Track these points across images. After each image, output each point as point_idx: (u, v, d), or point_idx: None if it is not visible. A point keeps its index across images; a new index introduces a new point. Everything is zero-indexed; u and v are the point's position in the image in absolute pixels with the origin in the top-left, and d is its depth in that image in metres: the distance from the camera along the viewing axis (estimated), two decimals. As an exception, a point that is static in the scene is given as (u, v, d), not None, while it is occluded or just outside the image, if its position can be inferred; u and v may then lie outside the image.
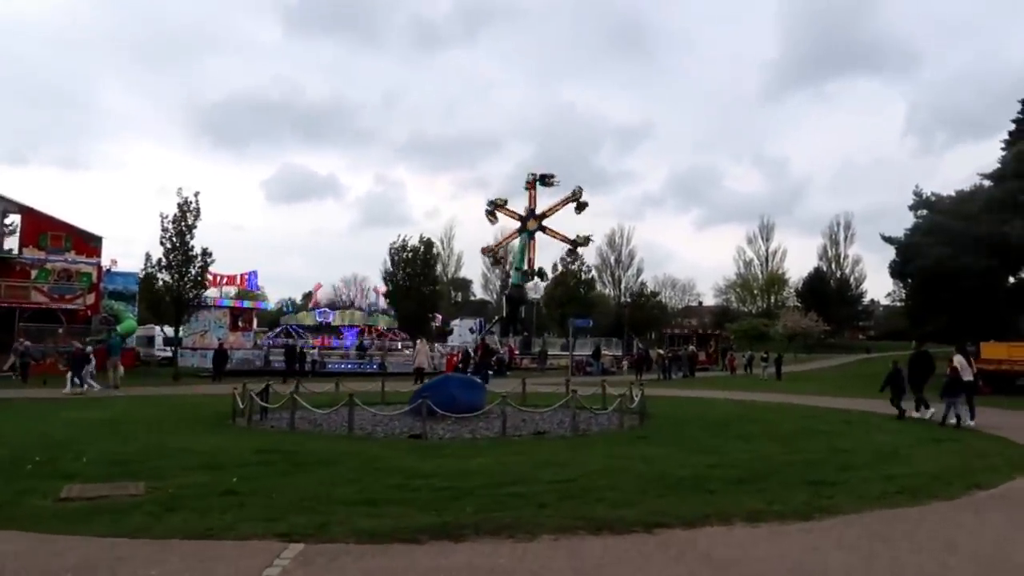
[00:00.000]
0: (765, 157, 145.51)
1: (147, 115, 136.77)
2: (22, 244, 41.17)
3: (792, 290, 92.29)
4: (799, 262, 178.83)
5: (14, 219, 41.38)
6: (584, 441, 12.29)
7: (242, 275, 43.09)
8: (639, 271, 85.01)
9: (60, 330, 40.88)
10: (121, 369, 26.23)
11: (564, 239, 56.83)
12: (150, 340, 54.26)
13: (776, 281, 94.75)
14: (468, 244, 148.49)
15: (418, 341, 33.54)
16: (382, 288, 42.63)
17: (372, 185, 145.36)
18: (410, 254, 39.39)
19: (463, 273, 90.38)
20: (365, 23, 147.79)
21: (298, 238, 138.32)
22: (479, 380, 16.66)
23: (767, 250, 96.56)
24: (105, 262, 43.09)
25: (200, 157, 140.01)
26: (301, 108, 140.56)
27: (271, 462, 9.59)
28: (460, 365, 31.44)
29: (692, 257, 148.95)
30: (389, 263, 39.63)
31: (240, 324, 41.93)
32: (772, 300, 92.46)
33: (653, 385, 32.04)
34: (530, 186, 56.29)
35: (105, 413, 16.20)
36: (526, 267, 57.07)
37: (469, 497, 7.59)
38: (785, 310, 76.71)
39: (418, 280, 39.18)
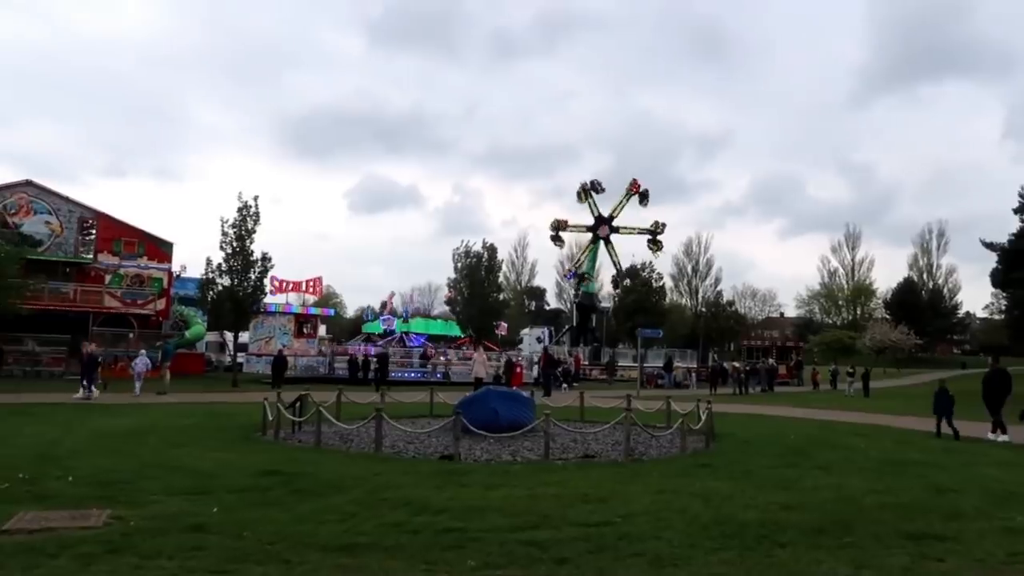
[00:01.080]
0: (851, 164, 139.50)
1: (236, 128, 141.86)
2: (96, 250, 42.12)
3: (880, 301, 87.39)
4: (887, 272, 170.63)
5: (91, 226, 42.38)
6: (636, 469, 10.69)
7: (307, 281, 42.90)
8: (717, 280, 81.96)
9: (131, 335, 41.61)
10: (168, 375, 25.82)
11: (641, 231, 55.51)
12: (221, 346, 55.05)
13: (863, 292, 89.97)
14: (542, 253, 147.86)
15: (476, 350, 32.31)
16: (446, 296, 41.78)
17: (451, 195, 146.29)
18: (473, 260, 38.33)
19: (537, 282, 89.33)
20: (445, 35, 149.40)
21: (379, 247, 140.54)
22: (527, 394, 15.20)
23: (853, 259, 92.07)
24: (175, 268, 43.72)
25: (286, 169, 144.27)
26: (383, 119, 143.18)
27: (266, 487, 8.40)
28: (502, 376, 30.17)
29: (773, 267, 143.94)
30: (452, 270, 38.74)
31: (305, 331, 41.66)
32: (858, 312, 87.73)
33: (728, 400, 29.93)
34: (584, 198, 55.05)
35: (134, 422, 15.52)
36: (613, 272, 56.04)
37: (474, 545, 6.16)
38: (872, 322, 72.35)
39: (481, 287, 38.05)
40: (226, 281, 31.11)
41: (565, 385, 38.14)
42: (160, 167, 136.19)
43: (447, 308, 45.62)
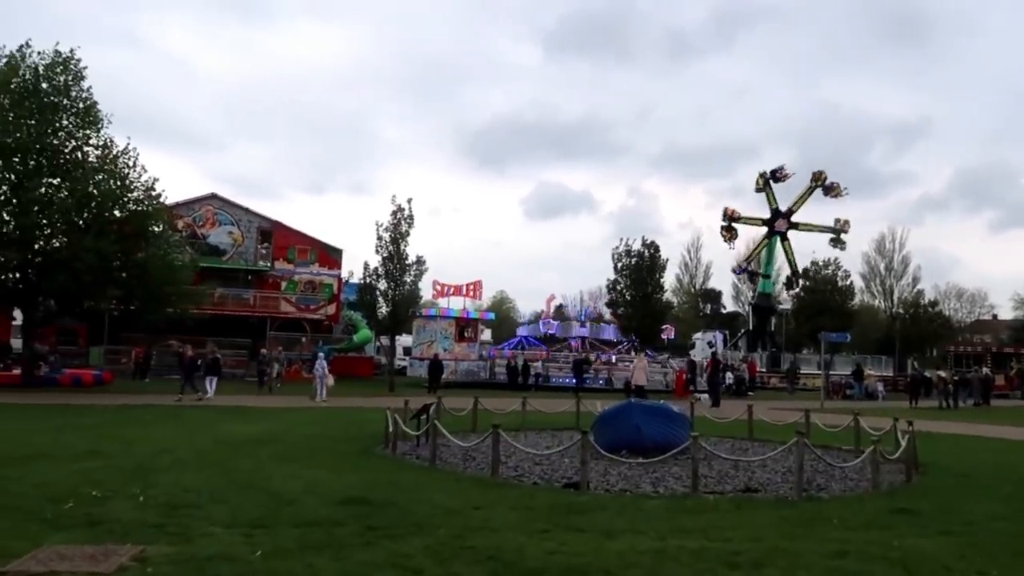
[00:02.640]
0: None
1: (420, 142, 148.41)
2: (273, 257, 44.26)
3: (1125, 299, 74.50)
4: None
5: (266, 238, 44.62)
6: (811, 512, 8.29)
7: (467, 285, 42.55)
8: (915, 280, 73.31)
9: (304, 338, 43.33)
10: (331, 379, 25.89)
11: (822, 229, 50.37)
12: (392, 350, 56.45)
13: (1101, 288, 77.21)
14: (718, 254, 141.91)
15: (636, 355, 30.13)
16: (606, 297, 39.69)
17: (625, 198, 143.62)
18: (634, 259, 36.05)
19: (712, 284, 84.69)
20: (619, 39, 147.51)
21: (552, 252, 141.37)
22: (679, 408, 13.00)
23: (1087, 251, 79.07)
24: (344, 274, 45.02)
25: (464, 178, 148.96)
26: (557, 127, 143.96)
27: (338, 521, 7.01)
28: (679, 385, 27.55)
29: (983, 265, 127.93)
30: (612, 270, 36.67)
31: (466, 335, 41.32)
32: (1096, 312, 75.34)
33: (933, 416, 25.68)
34: (763, 187, 50.41)
35: (261, 429, 15.09)
36: (774, 271, 51.36)
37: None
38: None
39: (643, 288, 35.70)
40: (383, 285, 31.07)
41: (749, 391, 34.79)
42: (354, 182, 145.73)
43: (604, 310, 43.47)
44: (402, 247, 30.53)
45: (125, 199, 27.55)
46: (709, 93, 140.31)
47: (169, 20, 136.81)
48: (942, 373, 32.78)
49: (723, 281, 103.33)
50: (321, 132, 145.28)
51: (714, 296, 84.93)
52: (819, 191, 50.83)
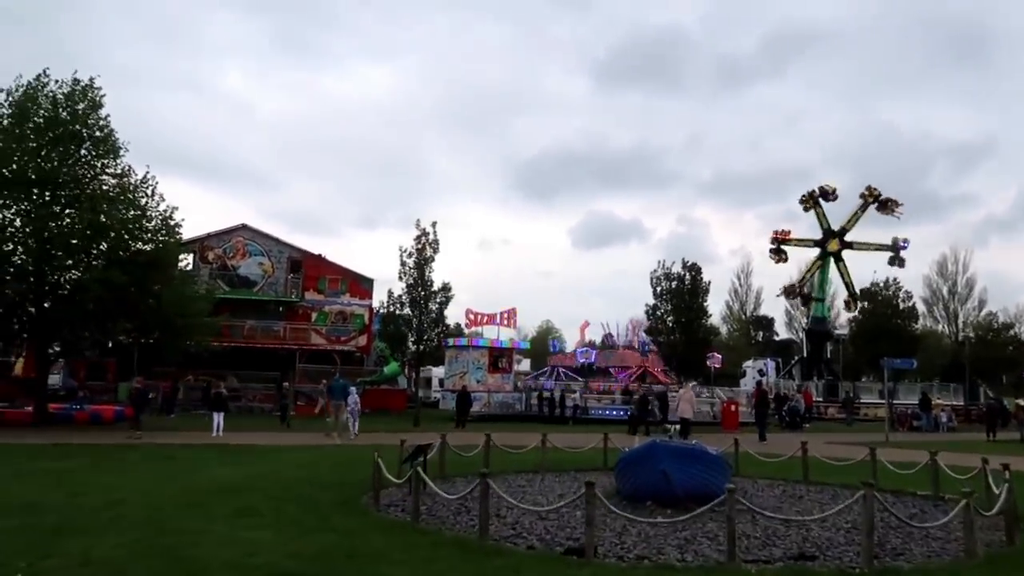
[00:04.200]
0: None
1: (468, 175, 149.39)
2: (303, 288, 43.21)
3: None
4: None
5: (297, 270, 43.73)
6: (888, 593, 6.22)
7: (501, 313, 40.79)
8: (981, 303, 69.09)
9: (333, 370, 41.98)
10: (339, 415, 23.98)
11: (879, 247, 47.27)
12: (428, 381, 54.78)
13: None
14: (769, 280, 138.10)
15: (683, 386, 27.88)
16: (644, 323, 37.46)
17: (675, 226, 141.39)
18: (674, 283, 33.84)
19: (764, 311, 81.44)
20: (669, 68, 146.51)
21: (601, 281, 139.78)
22: (716, 452, 10.93)
23: None
24: (375, 304, 43.71)
25: (513, 210, 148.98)
26: (606, 157, 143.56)
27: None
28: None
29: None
30: (652, 295, 34.46)
31: (500, 365, 39.49)
32: None
33: (1015, 450, 22.83)
34: (810, 206, 47.60)
35: (247, 472, 13.49)
36: (828, 295, 48.34)
37: None
38: None
39: (684, 313, 33.42)
40: (408, 312, 29.55)
41: (803, 420, 32.02)
42: (404, 216, 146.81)
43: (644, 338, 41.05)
44: (427, 273, 29.00)
45: (141, 229, 26.68)
46: (761, 119, 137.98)
47: (228, 64, 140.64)
48: (1021, 402, 29.64)
49: (775, 308, 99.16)
50: (373, 168, 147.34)
51: (766, 323, 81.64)
52: (873, 209, 47.92)
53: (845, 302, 48.58)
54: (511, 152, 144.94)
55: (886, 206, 47.17)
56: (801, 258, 52.25)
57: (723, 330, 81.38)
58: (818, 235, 49.04)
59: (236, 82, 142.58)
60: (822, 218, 48.18)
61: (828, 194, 47.83)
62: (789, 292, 50.73)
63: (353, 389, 24.86)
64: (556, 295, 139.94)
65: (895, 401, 39.35)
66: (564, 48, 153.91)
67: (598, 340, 66.76)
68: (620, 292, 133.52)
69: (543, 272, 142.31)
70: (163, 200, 27.14)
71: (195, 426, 23.87)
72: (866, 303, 45.54)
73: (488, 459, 14.53)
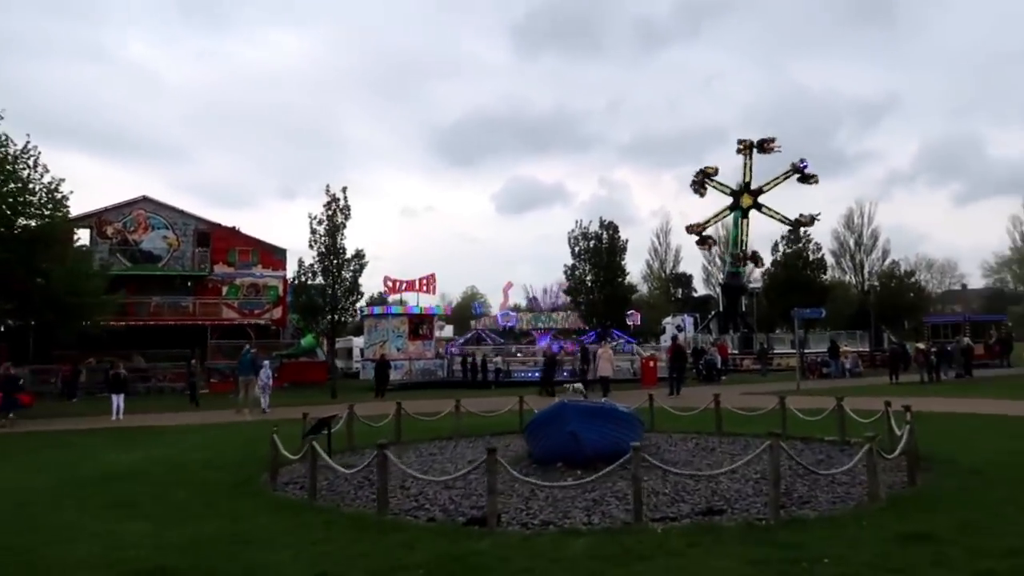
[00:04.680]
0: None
1: (389, 143, 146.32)
2: (212, 261, 41.37)
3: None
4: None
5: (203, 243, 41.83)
6: (791, 544, 6.05)
7: (420, 280, 40.03)
8: (884, 253, 72.04)
9: (247, 345, 40.46)
10: (257, 391, 23.14)
11: (784, 220, 47.79)
12: (348, 352, 53.60)
13: (1069, 251, 76.63)
14: (688, 240, 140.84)
15: (600, 345, 27.90)
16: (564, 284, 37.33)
17: (597, 188, 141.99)
18: (592, 242, 33.79)
19: (682, 268, 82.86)
20: (588, 32, 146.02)
21: (526, 246, 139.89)
22: (626, 409, 10.74)
23: (1053, 217, 78.40)
24: (290, 275, 42.28)
25: (436, 177, 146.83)
26: (527, 121, 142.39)
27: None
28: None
29: (949, 237, 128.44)
30: (570, 255, 34.29)
31: (421, 332, 38.84)
32: (1065, 275, 74.72)
33: (916, 392, 23.78)
34: (743, 151, 47.59)
35: (141, 456, 12.70)
36: (737, 251, 48.98)
37: None
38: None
39: (603, 272, 33.44)
40: (320, 282, 28.52)
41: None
42: (324, 186, 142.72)
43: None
44: (339, 240, 27.97)
45: (24, 203, 24.78)
46: (679, 82, 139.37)
47: (132, 33, 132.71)
48: (921, 345, 30.97)
49: (694, 265, 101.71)
50: (290, 138, 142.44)
51: (685, 280, 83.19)
52: (794, 178, 48.44)
53: (752, 256, 48.86)
54: (432, 118, 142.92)
55: (809, 179, 47.33)
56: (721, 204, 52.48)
57: (644, 289, 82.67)
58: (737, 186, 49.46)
59: (140, 51, 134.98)
60: (748, 170, 48.29)
61: (766, 144, 47.57)
62: (691, 229, 51.03)
63: (266, 363, 23.90)
64: (482, 261, 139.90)
65: (807, 350, 40.60)
66: (482, 11, 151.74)
67: (524, 304, 66.87)
68: (545, 257, 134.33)
69: (468, 239, 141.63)
70: (47, 172, 25.26)
71: (100, 410, 22.53)
72: (781, 254, 46.12)
73: (399, 428, 14.06)
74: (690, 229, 49.99)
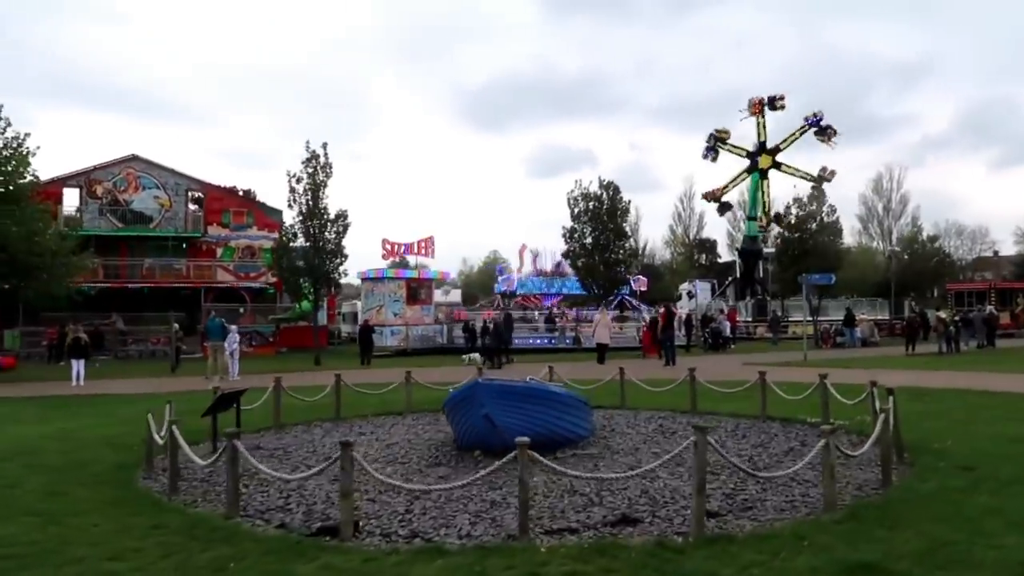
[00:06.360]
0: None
1: (416, 106, 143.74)
2: (206, 222, 40.33)
3: None
4: None
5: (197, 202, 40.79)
6: (700, 574, 4.66)
7: (418, 242, 38.61)
8: (914, 219, 69.10)
9: (242, 309, 39.57)
10: (218, 359, 21.91)
11: (806, 176, 45.76)
12: (354, 316, 52.50)
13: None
14: (713, 204, 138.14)
15: (598, 310, 26.42)
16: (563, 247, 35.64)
17: (626, 152, 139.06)
18: (592, 203, 32.09)
19: (706, 233, 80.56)
20: None
21: (553, 211, 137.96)
22: (560, 387, 9.34)
23: (1094, 179, 74.74)
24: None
25: (465, 141, 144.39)
26: (557, 84, 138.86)
27: None
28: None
29: (984, 203, 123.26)
30: (569, 217, 32.58)
31: (420, 297, 37.54)
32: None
33: (931, 364, 22.12)
34: (756, 112, 45.58)
35: (53, 428, 11.72)
36: (760, 213, 47.00)
37: None
38: None
39: (604, 236, 31.77)
40: (302, 243, 27.26)
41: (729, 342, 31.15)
42: (350, 150, 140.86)
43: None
44: (321, 200, 26.60)
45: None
46: (710, 44, 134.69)
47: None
48: (942, 314, 29.09)
49: (718, 230, 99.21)
50: (315, 101, 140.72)
51: (709, 246, 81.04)
52: (811, 135, 46.24)
53: (770, 219, 47.10)
54: (459, 81, 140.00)
55: (824, 133, 45.29)
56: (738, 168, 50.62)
57: (666, 254, 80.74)
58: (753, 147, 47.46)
59: (164, 13, 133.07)
60: (762, 129, 46.35)
61: (776, 102, 45.72)
62: (708, 196, 49.37)
63: (233, 328, 22.77)
64: (512, 225, 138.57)
65: (823, 318, 38.84)
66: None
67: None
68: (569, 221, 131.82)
69: (498, 203, 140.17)
70: (9, 125, 24.06)
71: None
72: (793, 218, 44.14)
73: (339, 402, 12.79)
74: (707, 196, 48.16)
